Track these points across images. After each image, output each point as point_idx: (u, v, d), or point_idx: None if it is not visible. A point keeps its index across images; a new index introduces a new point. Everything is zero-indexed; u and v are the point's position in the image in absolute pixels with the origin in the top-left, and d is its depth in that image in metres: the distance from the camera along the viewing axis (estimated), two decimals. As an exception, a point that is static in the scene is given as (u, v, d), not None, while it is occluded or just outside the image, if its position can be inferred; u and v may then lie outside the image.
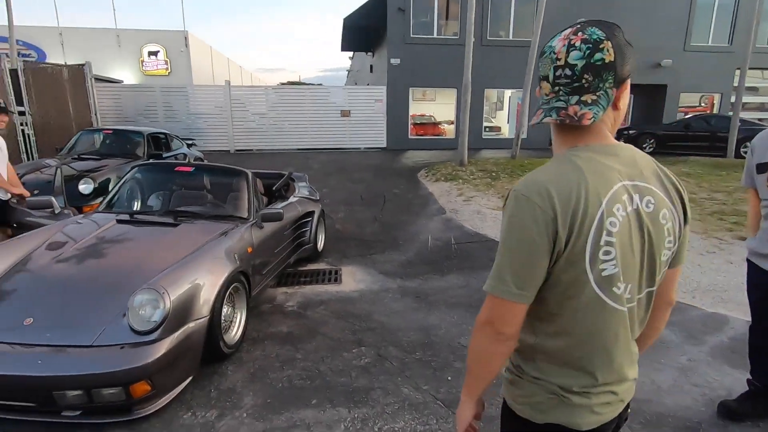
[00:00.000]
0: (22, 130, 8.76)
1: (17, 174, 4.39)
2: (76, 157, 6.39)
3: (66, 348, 2.09)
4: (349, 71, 36.28)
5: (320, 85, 20.16)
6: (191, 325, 2.38)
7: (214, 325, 2.55)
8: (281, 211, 3.41)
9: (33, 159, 8.60)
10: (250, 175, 3.70)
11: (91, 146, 6.92)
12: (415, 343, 3.03)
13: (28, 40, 21.18)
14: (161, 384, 2.21)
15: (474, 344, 0.95)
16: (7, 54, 9.29)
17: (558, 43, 0.85)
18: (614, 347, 0.91)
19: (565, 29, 0.87)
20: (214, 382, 2.53)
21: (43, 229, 3.00)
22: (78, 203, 5.04)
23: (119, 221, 3.17)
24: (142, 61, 21.91)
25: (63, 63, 10.99)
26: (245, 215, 3.44)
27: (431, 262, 4.78)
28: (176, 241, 2.93)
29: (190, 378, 2.43)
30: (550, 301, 0.88)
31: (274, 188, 4.43)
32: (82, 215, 3.35)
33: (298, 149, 14.67)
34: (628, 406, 1.00)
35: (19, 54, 15.54)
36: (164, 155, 6.96)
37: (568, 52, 0.84)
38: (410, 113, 15.38)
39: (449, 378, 2.60)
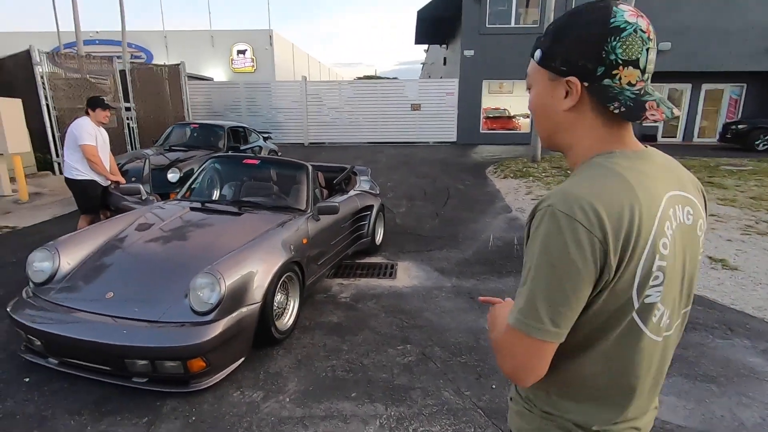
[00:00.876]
0: (128, 124, 9.93)
1: (118, 163, 5.00)
2: (168, 148, 7.10)
3: (137, 321, 2.33)
4: (423, 64, 36.07)
5: (395, 78, 20.28)
6: (245, 309, 2.53)
7: (267, 310, 2.69)
8: (337, 204, 3.50)
9: (135, 149, 9.71)
10: (310, 168, 3.83)
11: (182, 138, 7.64)
12: (462, 345, 2.95)
13: (139, 43, 23.94)
14: (215, 362, 2.39)
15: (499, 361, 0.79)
16: (119, 57, 10.56)
17: (642, 21, 0.70)
18: (645, 380, 0.79)
19: (618, 2, 0.72)
20: (264, 364, 2.68)
21: (128, 214, 3.38)
22: (167, 190, 5.61)
23: (192, 209, 3.47)
24: (232, 60, 23.69)
25: (163, 63, 12.24)
26: (303, 207, 3.58)
27: (490, 263, 4.61)
28: (238, 230, 3.13)
29: (243, 359, 2.60)
30: (578, 333, 0.74)
31: (335, 182, 4.55)
32: (163, 202, 3.72)
33: (368, 143, 14.93)
34: None
35: (131, 56, 17.56)
36: (241, 147, 7.47)
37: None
38: (482, 107, 14.90)
39: (494, 386, 2.50)
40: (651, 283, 0.71)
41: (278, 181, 3.85)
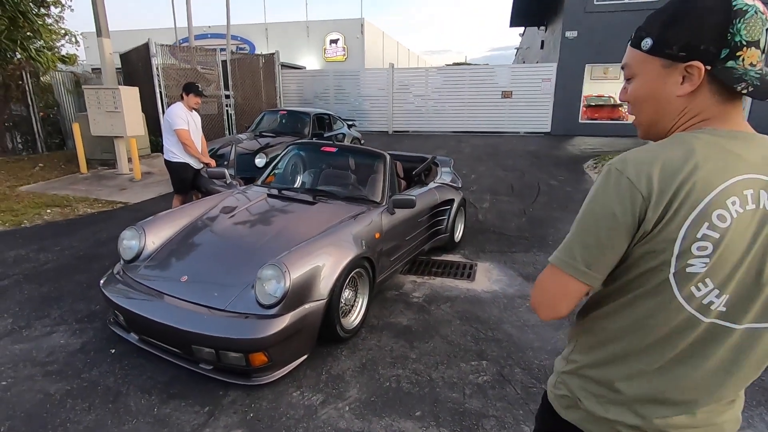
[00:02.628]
0: (226, 110, 10.64)
1: (212, 148, 5.27)
2: (258, 134, 7.41)
3: (205, 308, 2.33)
4: (517, 49, 34.00)
5: (486, 65, 19.29)
6: (309, 305, 2.41)
7: (332, 308, 2.56)
8: (413, 198, 3.24)
9: (231, 134, 10.39)
10: (388, 158, 3.62)
11: (271, 124, 7.93)
12: (547, 369, 2.55)
13: (244, 36, 25.75)
14: (277, 357, 2.30)
15: (533, 301, 0.87)
16: (222, 48, 11.32)
17: (759, 4, 0.72)
18: (685, 357, 0.76)
19: None
20: (327, 364, 2.55)
21: (210, 198, 3.47)
22: (254, 174, 5.82)
23: (269, 196, 3.46)
24: (325, 49, 24.46)
25: (260, 53, 12.90)
26: (378, 199, 3.38)
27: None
28: (310, 220, 3.03)
29: (306, 356, 2.50)
30: (613, 284, 0.80)
31: (414, 173, 4.30)
32: (244, 187, 3.78)
33: (454, 132, 14.39)
34: None
35: (237, 48, 18.85)
36: (325, 134, 7.53)
37: None
38: (583, 94, 13.48)
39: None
40: (696, 251, 0.70)
41: (355, 171, 3.70)
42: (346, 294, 2.82)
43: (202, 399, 2.23)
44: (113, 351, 2.64)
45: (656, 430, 0.79)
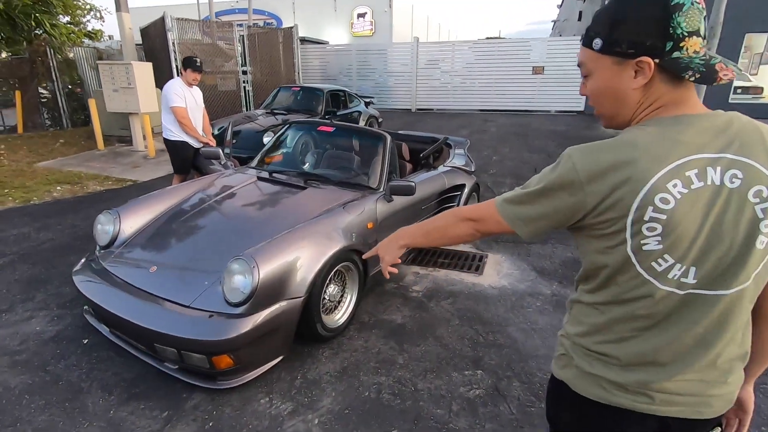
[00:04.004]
0: (244, 87, 10.45)
1: (223, 126, 5.05)
2: (270, 111, 7.17)
3: (170, 303, 2.14)
4: (554, 22, 32.10)
5: (518, 39, 18.22)
6: (284, 303, 2.19)
7: (312, 305, 2.32)
8: (413, 184, 2.93)
9: (249, 111, 10.22)
10: (388, 140, 3.30)
11: (285, 101, 7.67)
12: (551, 384, 2.24)
13: (271, 11, 25.34)
14: (245, 360, 2.10)
15: (448, 222, 1.04)
16: (240, 24, 11.05)
17: None
18: (666, 332, 0.81)
19: None
20: (305, 366, 2.34)
21: (195, 182, 3.26)
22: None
23: (259, 178, 3.23)
24: (352, 23, 23.77)
25: (277, 27, 12.54)
26: (375, 185, 3.09)
27: (607, 269, 3.65)
28: (296, 207, 2.78)
29: (280, 358, 2.29)
30: (587, 267, 0.89)
31: (421, 155, 3.96)
32: (236, 169, 3.56)
33: (481, 110, 13.74)
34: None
35: (264, 23, 18.40)
36: (338, 113, 7.22)
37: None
38: (623, 69, 12.48)
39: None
40: (647, 232, 0.77)
41: (353, 153, 3.41)
42: (331, 289, 2.58)
43: (163, 401, 2.06)
44: (86, 341, 2.51)
45: (639, 385, 0.84)
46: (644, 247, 0.77)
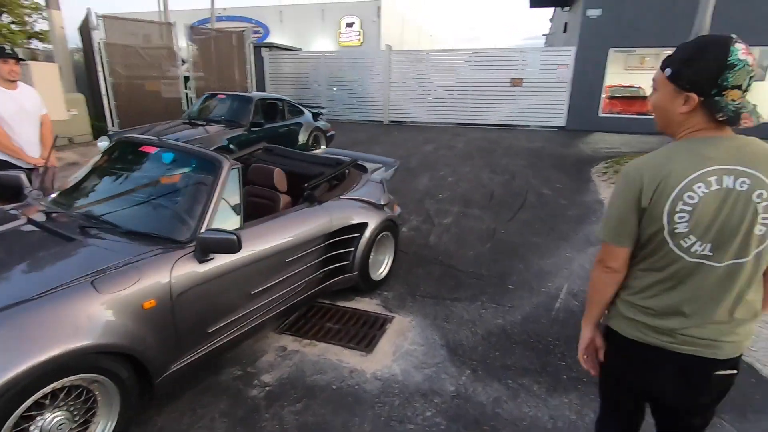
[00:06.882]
0: (186, 94, 9.47)
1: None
2: (188, 121, 6.19)
3: None
4: (545, 35, 31.58)
5: (498, 48, 17.31)
6: None
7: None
8: (234, 238, 1.92)
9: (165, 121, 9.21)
10: (225, 167, 2.28)
11: (211, 110, 6.69)
12: None
13: (259, 19, 24.47)
14: None
15: (592, 278, 1.30)
16: (193, 26, 10.12)
17: (749, 57, 1.04)
18: (687, 288, 1.15)
19: (735, 40, 1.05)
20: None
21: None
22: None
23: (30, 221, 2.22)
24: (340, 33, 22.98)
25: (225, 29, 11.56)
26: (181, 236, 2.06)
27: (545, 348, 2.64)
28: (34, 275, 1.77)
29: None
30: (637, 253, 1.21)
31: (306, 185, 2.95)
32: (20, 204, 2.54)
33: (458, 123, 12.82)
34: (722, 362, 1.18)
35: (252, 32, 17.62)
36: (266, 125, 6.22)
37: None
38: (605, 83, 11.67)
39: None
40: (677, 218, 1.10)
41: (172, 185, 2.39)
42: (50, 418, 1.55)
43: None
44: None
45: (668, 330, 1.17)
46: (675, 230, 1.11)
